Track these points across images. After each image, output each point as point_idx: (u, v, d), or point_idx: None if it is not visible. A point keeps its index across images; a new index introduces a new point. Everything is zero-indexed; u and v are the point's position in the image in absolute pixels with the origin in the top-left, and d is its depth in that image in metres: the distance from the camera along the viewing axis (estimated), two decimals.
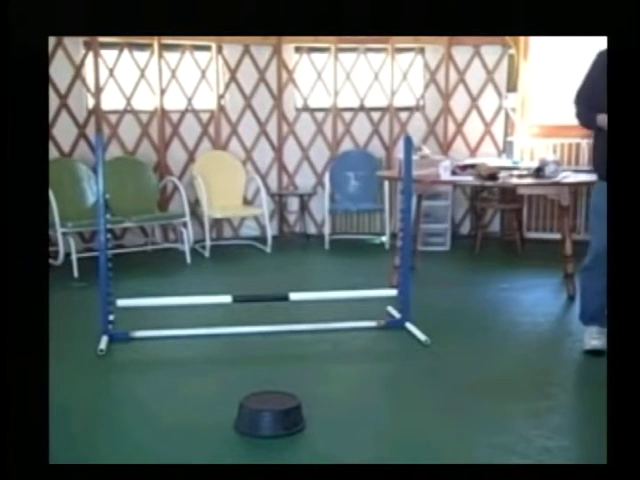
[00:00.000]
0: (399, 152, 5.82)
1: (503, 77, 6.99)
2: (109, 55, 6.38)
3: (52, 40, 5.89)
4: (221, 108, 6.87)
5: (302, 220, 7.23)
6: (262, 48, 6.88)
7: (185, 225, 6.19)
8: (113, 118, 6.46)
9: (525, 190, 5.31)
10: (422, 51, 7.06)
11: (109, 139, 6.37)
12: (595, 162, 3.82)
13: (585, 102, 3.72)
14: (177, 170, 6.75)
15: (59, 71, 6.06)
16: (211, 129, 6.86)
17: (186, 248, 6.11)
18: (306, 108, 7.12)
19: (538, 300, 5.02)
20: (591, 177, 5.62)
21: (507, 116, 7.02)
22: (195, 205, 6.66)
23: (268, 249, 6.51)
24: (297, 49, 7.01)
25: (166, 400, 3.29)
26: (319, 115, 7.13)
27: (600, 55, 3.64)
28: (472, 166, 5.31)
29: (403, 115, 7.17)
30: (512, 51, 6.84)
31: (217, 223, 6.92)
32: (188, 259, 6.08)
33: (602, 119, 3.53)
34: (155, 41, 6.45)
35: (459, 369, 3.68)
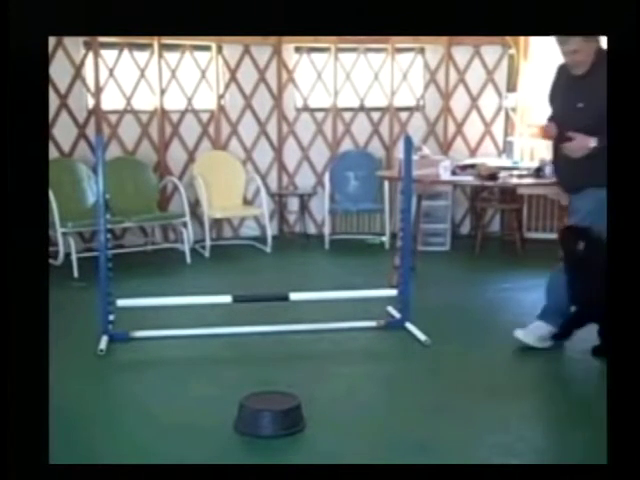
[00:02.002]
0: (399, 152, 5.82)
1: (503, 77, 7.00)
2: (109, 55, 6.38)
3: (52, 40, 5.89)
4: (221, 108, 6.87)
5: (302, 220, 7.23)
6: (262, 48, 6.88)
7: (185, 225, 6.19)
8: (113, 118, 6.46)
9: (525, 190, 5.32)
10: (422, 51, 7.07)
11: (109, 139, 6.36)
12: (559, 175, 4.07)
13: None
14: (177, 170, 6.75)
15: (59, 71, 6.06)
16: (211, 129, 6.86)
17: (186, 248, 6.10)
18: (306, 108, 7.12)
19: (538, 300, 4.99)
20: None
21: (507, 116, 7.02)
22: (195, 205, 6.65)
23: (268, 249, 6.51)
24: (297, 49, 7.00)
25: (166, 400, 3.29)
26: (319, 115, 7.13)
27: (558, 68, 3.97)
28: (472, 166, 5.31)
29: (403, 115, 7.17)
30: (512, 51, 6.84)
31: (217, 223, 6.92)
32: (188, 259, 6.08)
33: (567, 147, 3.73)
34: (155, 41, 6.45)
35: (459, 369, 3.68)
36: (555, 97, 4.05)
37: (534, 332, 3.92)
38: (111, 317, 4.06)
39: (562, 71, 3.93)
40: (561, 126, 3.82)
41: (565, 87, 3.92)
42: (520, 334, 3.93)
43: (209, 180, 6.54)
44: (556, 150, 3.93)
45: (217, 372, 3.64)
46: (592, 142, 3.62)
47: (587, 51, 3.65)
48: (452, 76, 7.07)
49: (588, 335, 4.19)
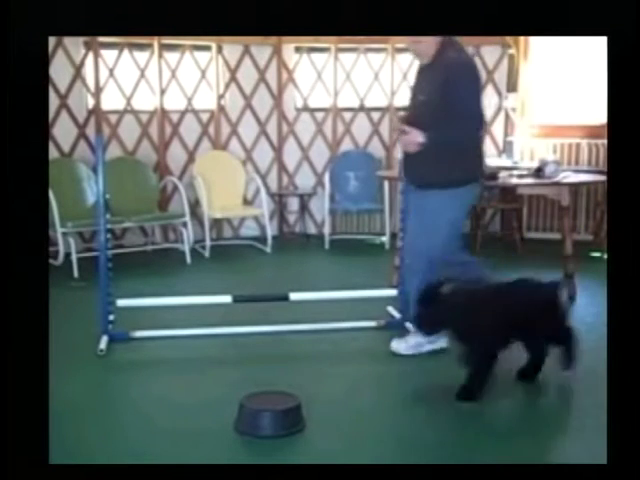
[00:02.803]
0: (399, 152, 5.82)
1: (503, 77, 6.99)
2: (109, 55, 6.38)
3: (52, 40, 5.90)
4: (221, 108, 6.87)
5: (302, 220, 7.23)
6: (262, 48, 6.88)
7: (185, 225, 6.19)
8: (113, 118, 6.47)
9: (525, 190, 5.31)
10: None
11: (109, 139, 6.37)
12: (407, 170, 3.87)
13: None
14: (177, 170, 6.75)
15: (59, 71, 6.07)
16: (211, 129, 6.87)
17: (186, 248, 6.11)
18: (306, 108, 7.12)
19: None
20: (592, 177, 5.65)
21: (507, 116, 7.02)
22: (195, 205, 6.66)
23: (268, 249, 6.51)
24: (297, 49, 7.01)
25: (166, 400, 3.28)
26: (319, 115, 7.13)
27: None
28: None
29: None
30: (512, 51, 6.84)
31: (217, 223, 6.92)
32: (188, 259, 6.08)
33: (400, 141, 3.67)
34: (155, 41, 6.45)
35: (459, 369, 3.68)
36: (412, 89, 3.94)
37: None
38: (111, 317, 4.06)
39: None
40: (409, 120, 3.68)
41: (416, 79, 3.81)
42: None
43: (209, 180, 6.55)
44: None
45: (217, 372, 3.64)
46: (420, 137, 3.50)
47: (429, 41, 3.54)
48: None
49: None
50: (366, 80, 7.12)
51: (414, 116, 3.68)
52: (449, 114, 3.47)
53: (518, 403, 3.30)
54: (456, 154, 3.59)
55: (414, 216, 3.84)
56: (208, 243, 6.37)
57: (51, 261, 5.46)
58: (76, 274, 5.49)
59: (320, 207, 7.06)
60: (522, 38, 6.75)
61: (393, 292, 4.43)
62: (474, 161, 3.76)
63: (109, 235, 4.22)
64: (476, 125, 3.64)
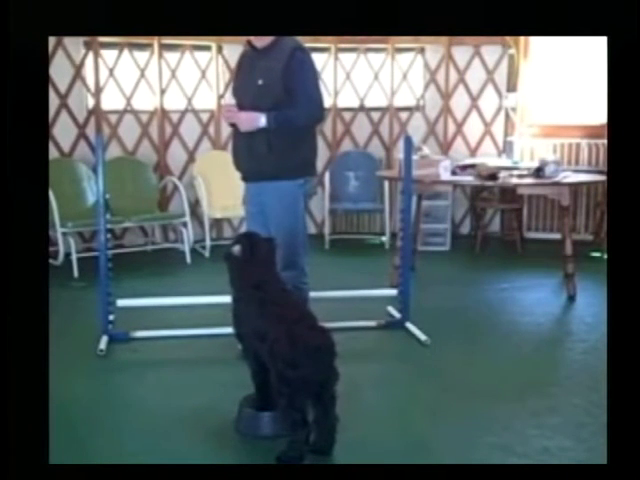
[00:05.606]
0: (399, 152, 5.82)
1: (503, 77, 6.99)
2: (109, 55, 6.38)
3: (52, 40, 5.90)
4: (221, 108, 6.86)
5: None
6: None
7: (185, 225, 6.19)
8: (113, 118, 6.46)
9: (525, 190, 5.31)
10: (422, 51, 7.07)
11: (109, 139, 6.36)
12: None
13: None
14: (177, 170, 6.75)
15: (59, 71, 6.06)
16: (211, 129, 6.86)
17: (186, 248, 6.11)
18: None
19: (538, 300, 5.02)
20: (592, 177, 5.65)
21: (507, 116, 7.02)
22: (195, 205, 6.65)
23: None
24: None
25: (166, 400, 3.29)
26: None
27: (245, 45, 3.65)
28: (472, 166, 5.31)
29: (403, 115, 7.17)
30: (512, 51, 6.84)
31: (217, 223, 6.92)
32: (188, 259, 6.08)
33: (238, 118, 3.50)
34: (155, 41, 6.45)
35: (459, 369, 3.68)
36: (237, 76, 3.76)
37: None
38: (111, 317, 4.06)
39: (246, 48, 3.65)
40: (242, 106, 3.54)
41: (247, 64, 3.64)
42: None
43: (209, 180, 6.54)
44: (235, 136, 3.66)
45: (217, 372, 3.64)
46: (262, 119, 3.40)
47: None
48: (452, 76, 7.06)
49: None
50: (366, 80, 7.12)
51: (253, 101, 3.49)
52: (292, 98, 3.40)
53: (517, 403, 3.29)
54: (292, 143, 3.49)
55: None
56: (208, 243, 6.37)
57: (51, 261, 5.46)
58: (76, 274, 5.49)
59: (320, 207, 7.05)
60: (522, 38, 6.75)
61: (393, 292, 4.43)
62: (309, 153, 3.64)
63: (109, 235, 4.23)
64: (319, 111, 3.55)
